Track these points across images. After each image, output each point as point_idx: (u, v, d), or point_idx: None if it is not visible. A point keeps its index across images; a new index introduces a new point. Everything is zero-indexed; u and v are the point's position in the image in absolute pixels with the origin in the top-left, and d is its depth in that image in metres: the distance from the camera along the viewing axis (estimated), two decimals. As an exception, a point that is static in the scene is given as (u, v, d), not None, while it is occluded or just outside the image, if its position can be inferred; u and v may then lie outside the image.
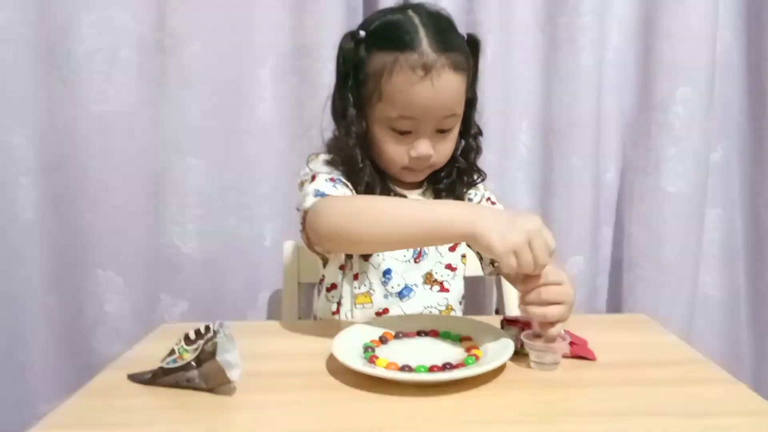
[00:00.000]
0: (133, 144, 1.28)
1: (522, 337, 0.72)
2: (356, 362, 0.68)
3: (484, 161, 1.30)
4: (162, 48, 1.25)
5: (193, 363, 0.66)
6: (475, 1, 1.29)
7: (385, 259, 0.94)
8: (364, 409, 0.63)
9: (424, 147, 0.89)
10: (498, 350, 0.71)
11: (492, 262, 1.00)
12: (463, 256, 1.00)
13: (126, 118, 1.26)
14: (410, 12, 0.88)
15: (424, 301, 0.95)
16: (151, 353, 0.71)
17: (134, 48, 1.25)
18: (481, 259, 1.02)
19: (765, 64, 1.33)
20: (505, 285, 1.20)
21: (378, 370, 0.66)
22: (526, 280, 0.71)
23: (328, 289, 0.97)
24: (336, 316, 0.96)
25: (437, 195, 0.98)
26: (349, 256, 0.95)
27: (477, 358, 0.70)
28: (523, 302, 0.72)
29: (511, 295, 1.19)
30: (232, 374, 0.64)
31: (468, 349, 0.74)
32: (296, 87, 1.31)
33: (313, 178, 0.88)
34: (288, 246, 1.22)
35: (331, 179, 0.88)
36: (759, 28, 1.33)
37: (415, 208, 0.76)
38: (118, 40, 1.24)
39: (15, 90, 1.24)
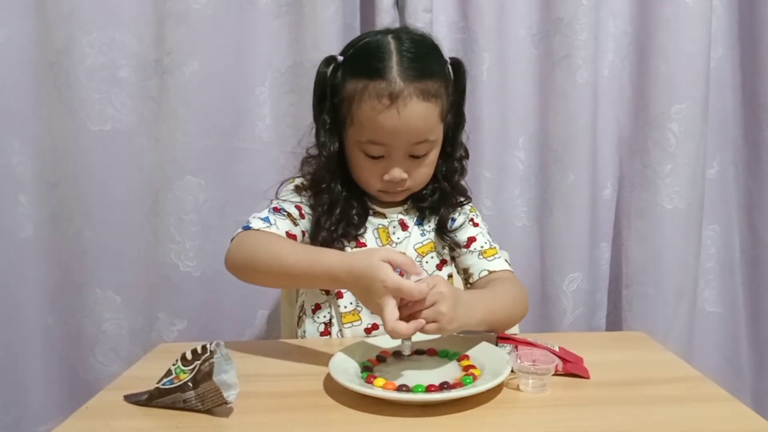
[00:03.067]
0: (132, 162, 1.28)
1: (510, 360, 0.71)
2: (354, 382, 0.68)
3: (480, 178, 1.33)
4: (161, 67, 1.26)
5: (189, 383, 0.65)
6: (470, 20, 1.30)
7: None
8: (362, 430, 0.62)
9: (395, 172, 0.90)
10: (495, 369, 0.71)
11: (465, 282, 1.00)
12: (450, 276, 1.00)
13: (125, 137, 1.27)
14: (390, 37, 0.89)
15: None
16: (148, 373, 0.71)
17: (133, 67, 1.25)
18: (466, 279, 1.01)
19: (759, 80, 1.33)
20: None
21: (375, 391, 0.66)
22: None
23: (314, 310, 0.97)
24: (326, 337, 0.96)
25: (421, 213, 0.99)
26: None
27: (474, 377, 0.70)
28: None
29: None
30: (229, 395, 0.64)
31: (465, 368, 0.73)
32: (294, 105, 1.31)
33: (269, 204, 0.93)
34: None
35: (275, 209, 0.92)
36: (752, 44, 1.34)
37: (302, 256, 0.80)
38: (117, 60, 1.25)
39: (15, 108, 1.25)
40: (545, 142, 1.35)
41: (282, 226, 0.90)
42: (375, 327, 0.94)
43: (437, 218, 0.98)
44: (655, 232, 1.31)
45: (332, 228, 0.91)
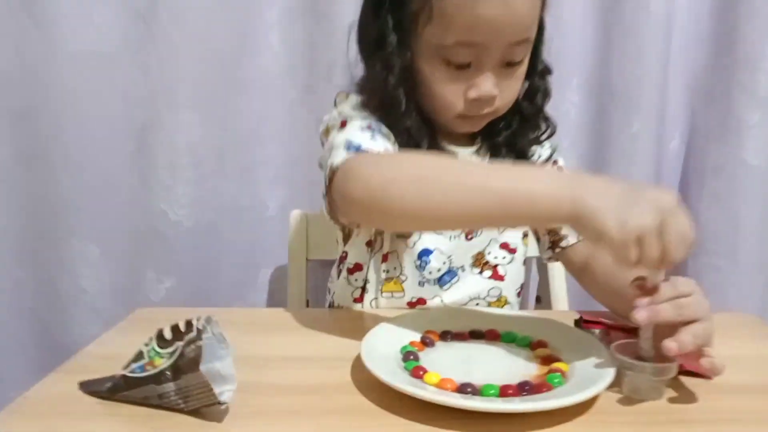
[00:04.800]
0: (115, 92, 1.09)
1: (612, 350, 0.52)
2: (396, 377, 0.49)
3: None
4: (151, -22, 1.07)
5: (168, 373, 0.47)
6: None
7: (421, 237, 0.75)
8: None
9: (487, 85, 0.68)
10: (590, 364, 0.52)
11: (553, 245, 0.80)
12: (525, 235, 0.81)
13: (107, 62, 1.08)
14: None
15: (470, 289, 0.76)
16: (120, 350, 0.52)
17: (118, -23, 1.06)
18: (538, 239, 0.83)
19: None
20: (551, 268, 1.01)
21: (429, 393, 0.47)
22: (644, 290, 0.51)
23: (351, 271, 0.78)
24: (358, 305, 0.77)
25: (494, 151, 0.78)
26: (380, 231, 0.75)
27: (563, 375, 0.51)
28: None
29: (558, 280, 1.01)
30: (223, 392, 0.46)
31: (545, 361, 0.54)
32: (309, 30, 1.11)
33: (343, 124, 0.68)
34: (295, 216, 1.05)
35: (368, 126, 0.67)
36: None
37: (488, 174, 0.55)
38: (99, -32, 1.05)
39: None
40: (605, 85, 1.15)
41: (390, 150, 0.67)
42: (421, 302, 0.75)
43: (514, 156, 0.77)
44: (733, 193, 1.11)
45: None
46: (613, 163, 1.16)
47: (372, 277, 0.76)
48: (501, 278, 0.78)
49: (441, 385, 0.49)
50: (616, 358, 0.51)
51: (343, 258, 0.79)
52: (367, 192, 0.57)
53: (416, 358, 0.54)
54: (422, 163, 0.59)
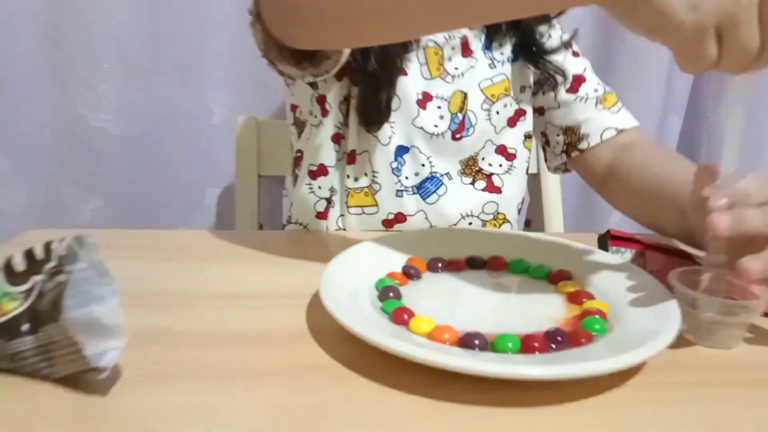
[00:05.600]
0: None
1: (671, 281, 0.38)
2: (371, 323, 0.34)
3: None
4: None
5: (24, 322, 0.31)
6: None
7: (395, 131, 0.59)
8: (384, 424, 0.29)
9: None
10: (639, 302, 0.38)
11: (568, 149, 0.65)
12: (528, 137, 0.65)
13: None
14: None
15: (460, 204, 0.62)
16: None
17: None
18: (547, 143, 0.68)
19: None
20: (545, 183, 0.87)
21: (419, 346, 0.32)
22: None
23: (314, 174, 0.62)
24: (322, 222, 0.61)
25: (491, 31, 0.63)
26: (345, 121, 0.59)
27: (604, 317, 0.37)
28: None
29: (553, 197, 0.89)
30: (104, 352, 0.30)
31: (574, 298, 0.40)
32: None
33: None
34: (243, 122, 0.89)
35: None
36: None
37: None
38: None
39: None
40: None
41: None
42: (400, 218, 0.60)
43: (518, 35, 0.63)
44: (755, 104, 0.97)
45: None
46: (620, 66, 1.01)
47: (338, 185, 0.60)
48: (498, 190, 0.63)
49: (435, 335, 0.34)
50: (679, 291, 0.37)
51: (299, 159, 0.63)
52: None
53: (397, 296, 0.39)
54: None
